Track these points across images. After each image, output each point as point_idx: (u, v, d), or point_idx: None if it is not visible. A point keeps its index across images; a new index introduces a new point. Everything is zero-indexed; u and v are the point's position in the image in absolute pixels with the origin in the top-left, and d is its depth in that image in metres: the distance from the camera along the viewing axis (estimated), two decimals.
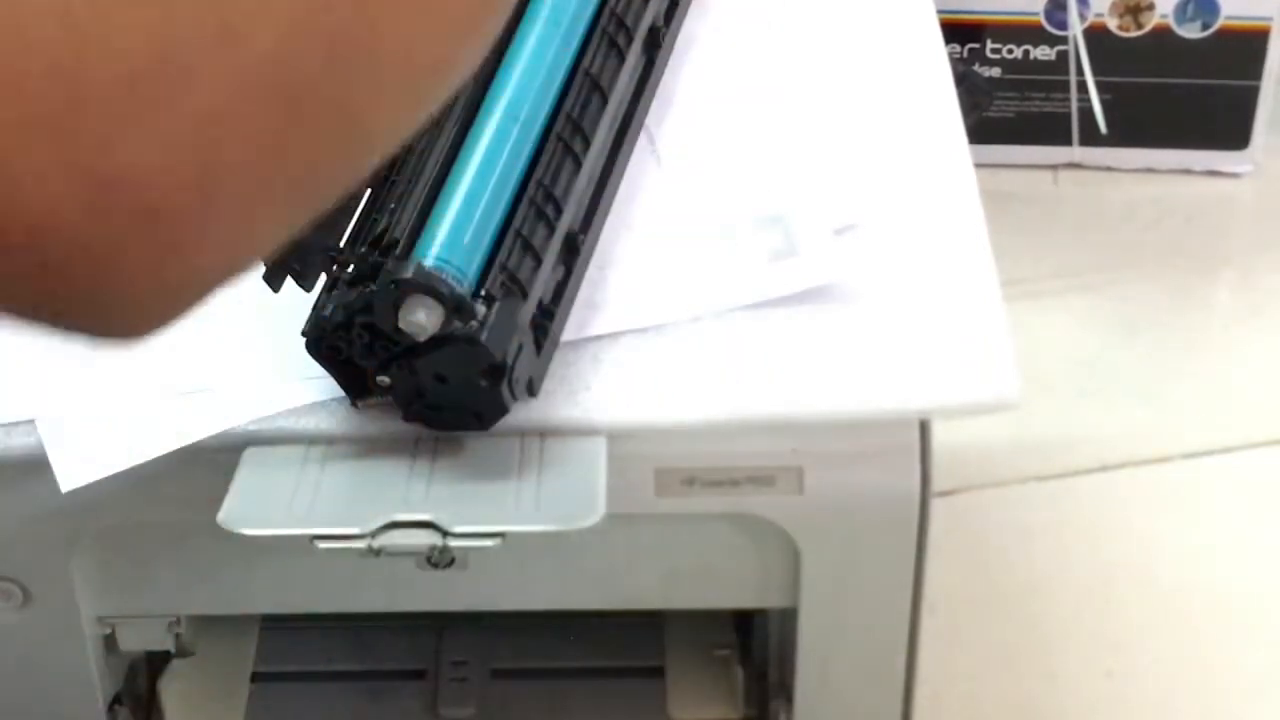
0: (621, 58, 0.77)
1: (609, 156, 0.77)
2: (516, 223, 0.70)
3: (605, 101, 0.76)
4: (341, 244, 0.70)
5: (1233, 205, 1.36)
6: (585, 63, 0.76)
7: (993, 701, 1.00)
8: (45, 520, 0.73)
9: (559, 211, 0.72)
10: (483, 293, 0.67)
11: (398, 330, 0.66)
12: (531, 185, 0.71)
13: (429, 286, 0.65)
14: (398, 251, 0.67)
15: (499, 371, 0.67)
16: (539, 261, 0.70)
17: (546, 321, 0.71)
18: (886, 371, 0.72)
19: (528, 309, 0.69)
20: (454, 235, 0.68)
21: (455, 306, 0.66)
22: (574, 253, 0.73)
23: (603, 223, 0.76)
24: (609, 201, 0.77)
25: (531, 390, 0.70)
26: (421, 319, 0.65)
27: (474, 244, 0.68)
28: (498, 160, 0.71)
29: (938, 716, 0.95)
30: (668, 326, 0.73)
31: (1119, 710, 1.00)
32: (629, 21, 0.78)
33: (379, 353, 0.67)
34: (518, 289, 0.68)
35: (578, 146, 0.73)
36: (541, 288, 0.70)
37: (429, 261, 0.66)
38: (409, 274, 0.66)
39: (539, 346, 0.70)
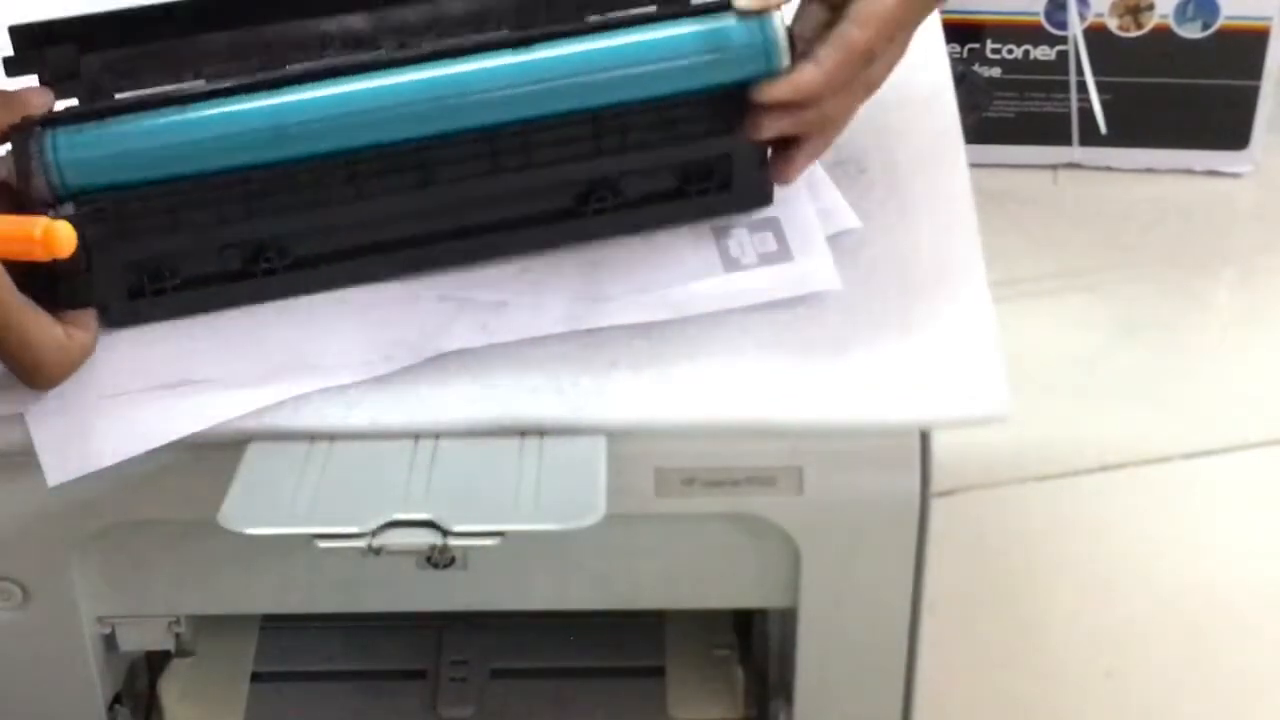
0: None
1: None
2: None
3: None
4: None
5: (1233, 205, 1.36)
6: None
7: (993, 701, 1.00)
8: (45, 520, 0.73)
9: None
10: None
11: None
12: None
13: None
14: None
15: None
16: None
17: None
18: (879, 385, 0.72)
19: None
20: None
21: None
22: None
23: None
24: None
25: None
26: None
27: None
28: None
29: (938, 716, 0.95)
30: (668, 326, 0.73)
31: (1119, 710, 1.00)
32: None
33: None
34: None
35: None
36: None
37: None
38: None
39: None
